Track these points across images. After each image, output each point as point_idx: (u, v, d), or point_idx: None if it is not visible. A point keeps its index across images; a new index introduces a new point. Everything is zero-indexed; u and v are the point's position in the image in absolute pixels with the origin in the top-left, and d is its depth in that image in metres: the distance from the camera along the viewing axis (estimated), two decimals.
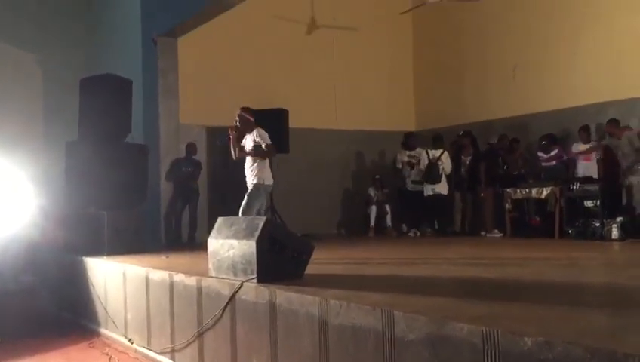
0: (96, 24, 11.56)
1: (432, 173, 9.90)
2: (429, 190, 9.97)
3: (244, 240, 4.49)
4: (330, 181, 11.20)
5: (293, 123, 10.25)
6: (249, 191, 6.35)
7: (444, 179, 9.94)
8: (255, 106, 10.00)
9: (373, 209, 10.51)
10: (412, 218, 10.34)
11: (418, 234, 10.02)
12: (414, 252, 7.40)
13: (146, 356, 5.44)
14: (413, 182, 10.25)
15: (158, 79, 9.53)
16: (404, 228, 10.41)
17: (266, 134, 6.37)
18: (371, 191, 10.71)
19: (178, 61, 9.69)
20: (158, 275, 5.48)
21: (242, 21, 10.09)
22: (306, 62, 11.19)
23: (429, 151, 10.10)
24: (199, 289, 4.81)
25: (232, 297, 4.34)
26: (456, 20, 11.14)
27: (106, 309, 6.40)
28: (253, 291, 4.19)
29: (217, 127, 10.38)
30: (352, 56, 11.63)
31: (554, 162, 9.07)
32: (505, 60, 10.47)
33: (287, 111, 10.21)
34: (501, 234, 9.11)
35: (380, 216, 10.55)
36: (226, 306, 4.39)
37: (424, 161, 10.08)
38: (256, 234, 4.40)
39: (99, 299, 6.60)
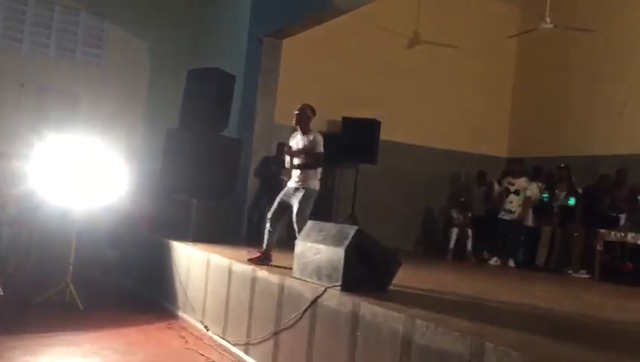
0: (205, 19, 11.98)
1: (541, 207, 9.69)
2: (530, 221, 9.79)
3: (333, 247, 4.52)
4: (413, 197, 11.08)
5: (384, 135, 10.24)
6: (302, 195, 5.82)
7: None
8: (348, 114, 10.22)
9: (455, 231, 10.28)
10: (496, 245, 10.01)
11: (499, 262, 9.71)
12: (497, 283, 7.18)
13: (220, 345, 5.56)
14: (505, 210, 9.87)
15: (259, 78, 9.75)
16: (486, 254, 10.12)
17: (321, 140, 5.87)
18: (454, 213, 10.49)
19: (281, 62, 9.87)
20: (241, 268, 5.59)
21: (347, 29, 10.17)
22: (404, 76, 11.13)
23: (539, 184, 9.85)
24: (281, 288, 4.87)
25: (315, 301, 4.37)
26: (565, 49, 10.76)
27: (185, 293, 6.60)
28: (336, 298, 4.20)
29: None
30: (451, 74, 11.47)
31: None
32: (613, 96, 10.01)
33: (380, 123, 10.20)
34: (589, 276, 8.69)
35: (460, 239, 10.31)
36: (307, 309, 4.42)
37: (535, 192, 9.79)
38: (346, 242, 4.41)
39: (180, 282, 6.80)
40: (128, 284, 8.12)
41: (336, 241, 4.55)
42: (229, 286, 5.73)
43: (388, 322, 3.66)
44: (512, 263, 9.67)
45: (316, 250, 4.72)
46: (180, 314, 6.65)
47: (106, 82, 11.08)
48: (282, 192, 6.05)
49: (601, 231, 8.49)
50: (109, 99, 10.87)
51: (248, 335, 5.17)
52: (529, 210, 9.77)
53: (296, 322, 4.53)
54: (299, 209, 5.80)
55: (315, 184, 5.95)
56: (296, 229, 5.69)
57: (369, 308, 3.86)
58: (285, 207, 6.00)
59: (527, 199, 9.73)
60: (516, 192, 9.74)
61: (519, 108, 11.94)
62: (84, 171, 6.71)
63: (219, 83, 8.17)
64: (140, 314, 6.64)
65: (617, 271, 8.50)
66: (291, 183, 6.00)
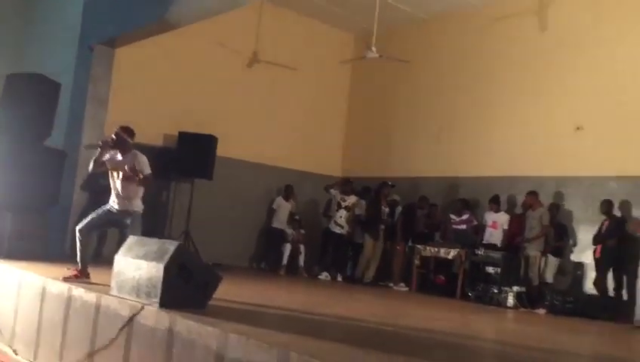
0: (33, 21, 11.20)
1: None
2: (357, 237, 10.27)
3: (153, 263, 4.44)
4: (250, 214, 11.19)
5: (221, 151, 10.27)
6: (131, 219, 5.71)
7: None
8: (184, 129, 10.11)
9: (288, 247, 10.55)
10: (327, 261, 10.43)
11: (329, 277, 10.13)
12: (322, 297, 7.49)
13: None
14: (335, 223, 10.35)
15: (88, 86, 9.30)
16: (316, 270, 10.51)
17: (145, 161, 5.71)
18: (288, 230, 10.77)
19: (112, 71, 9.51)
20: (57, 287, 5.28)
21: (185, 42, 10.08)
22: (243, 94, 11.26)
23: (365, 202, 10.37)
24: (97, 307, 4.67)
25: (131, 319, 4.25)
26: (391, 77, 11.59)
27: None
28: (153, 315, 4.13)
29: (142, 144, 10.20)
30: (289, 95, 11.82)
31: (464, 226, 9.50)
32: (432, 122, 10.97)
33: (217, 139, 10.22)
34: (407, 289, 9.39)
35: (293, 255, 10.61)
36: (123, 327, 4.29)
37: (363, 208, 10.29)
38: (166, 258, 4.36)
39: None
40: None
41: (156, 257, 4.48)
42: (42, 306, 5.36)
43: (202, 337, 3.67)
44: (340, 278, 10.16)
45: (137, 266, 4.60)
46: None
47: None
48: (102, 209, 5.80)
49: (418, 246, 9.26)
50: None
51: (61, 358, 4.88)
52: (357, 227, 10.35)
53: (112, 342, 4.37)
54: (132, 233, 5.53)
55: (140, 205, 5.82)
56: None
57: (185, 324, 3.84)
58: (102, 223, 5.86)
59: (356, 217, 10.31)
60: (346, 208, 10.29)
61: (352, 131, 12.61)
62: None
63: (41, 90, 7.69)
64: None
65: (431, 284, 9.31)
66: (114, 204, 5.76)
